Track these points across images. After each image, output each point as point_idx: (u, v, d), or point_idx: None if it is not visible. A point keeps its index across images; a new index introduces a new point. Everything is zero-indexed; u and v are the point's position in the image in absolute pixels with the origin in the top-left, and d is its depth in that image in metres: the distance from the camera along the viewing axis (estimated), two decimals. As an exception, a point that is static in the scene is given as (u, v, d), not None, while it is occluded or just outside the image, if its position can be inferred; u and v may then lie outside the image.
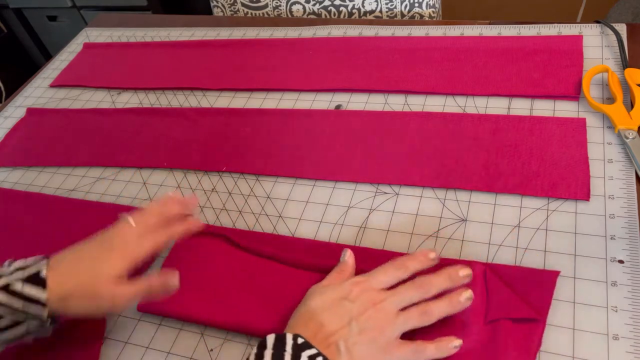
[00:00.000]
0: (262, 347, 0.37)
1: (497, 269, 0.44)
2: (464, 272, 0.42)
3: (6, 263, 0.43)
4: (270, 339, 0.37)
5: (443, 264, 0.43)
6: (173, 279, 0.44)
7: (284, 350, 0.36)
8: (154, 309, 0.48)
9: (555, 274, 0.43)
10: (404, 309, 0.40)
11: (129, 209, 0.59)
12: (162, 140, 0.66)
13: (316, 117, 0.63)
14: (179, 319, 0.47)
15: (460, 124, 0.57)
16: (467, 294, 0.41)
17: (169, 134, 0.67)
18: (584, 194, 0.48)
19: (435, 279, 0.41)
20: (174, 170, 0.63)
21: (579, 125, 0.54)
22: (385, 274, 0.42)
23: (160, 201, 0.48)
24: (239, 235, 0.52)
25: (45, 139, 0.71)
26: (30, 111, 0.77)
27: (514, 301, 0.41)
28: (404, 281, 0.42)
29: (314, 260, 0.48)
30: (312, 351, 0.37)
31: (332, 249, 0.49)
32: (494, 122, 0.56)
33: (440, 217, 0.50)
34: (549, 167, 0.51)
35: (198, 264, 0.51)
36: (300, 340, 0.37)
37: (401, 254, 0.48)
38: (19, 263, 0.42)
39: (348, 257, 0.46)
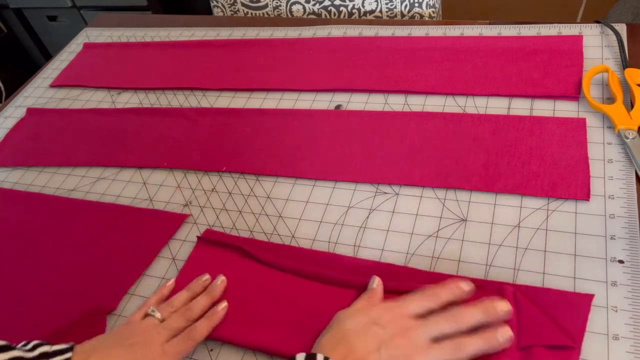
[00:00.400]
0: None
1: (526, 291, 0.42)
2: (502, 307, 0.39)
3: (30, 345, 0.41)
4: (300, 357, 0.37)
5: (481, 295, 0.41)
6: None
7: None
8: None
9: (589, 297, 0.41)
10: (436, 340, 0.38)
11: (129, 209, 0.59)
12: (162, 140, 0.66)
13: (316, 117, 0.63)
14: None
15: (460, 124, 0.57)
16: (507, 334, 0.38)
17: (169, 134, 0.67)
18: (584, 194, 0.48)
19: (470, 311, 0.39)
20: (174, 170, 0.63)
21: (579, 125, 0.54)
22: (417, 302, 0.41)
23: (188, 290, 0.48)
24: (255, 247, 0.51)
25: (45, 139, 0.72)
26: (30, 111, 0.77)
27: (548, 326, 0.39)
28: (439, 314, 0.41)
29: (334, 274, 0.47)
30: None
31: (348, 264, 0.48)
32: (494, 122, 0.56)
33: (440, 217, 0.50)
34: (549, 167, 0.51)
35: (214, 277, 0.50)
36: None
37: (418, 271, 0.46)
38: (44, 348, 0.41)
39: (377, 284, 0.44)
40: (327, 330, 0.41)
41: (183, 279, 0.50)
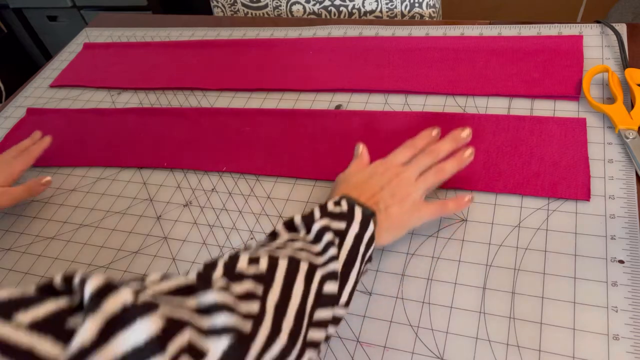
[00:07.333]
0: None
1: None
2: (465, 133, 0.50)
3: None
4: (330, 204, 0.43)
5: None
6: None
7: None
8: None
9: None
10: (422, 174, 0.48)
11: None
12: (162, 140, 0.66)
13: (316, 117, 0.63)
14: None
15: (460, 124, 0.57)
16: (469, 151, 0.49)
17: (169, 134, 0.67)
18: (584, 194, 0.48)
19: (442, 144, 0.49)
20: (174, 170, 0.63)
21: (579, 125, 0.54)
22: (401, 154, 0.50)
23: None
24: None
25: (45, 139, 0.71)
26: (31, 111, 0.77)
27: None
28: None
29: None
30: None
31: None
32: (494, 122, 0.56)
33: (440, 217, 0.50)
34: (549, 167, 0.51)
35: None
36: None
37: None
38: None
39: (362, 150, 0.52)
40: (335, 188, 0.49)
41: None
